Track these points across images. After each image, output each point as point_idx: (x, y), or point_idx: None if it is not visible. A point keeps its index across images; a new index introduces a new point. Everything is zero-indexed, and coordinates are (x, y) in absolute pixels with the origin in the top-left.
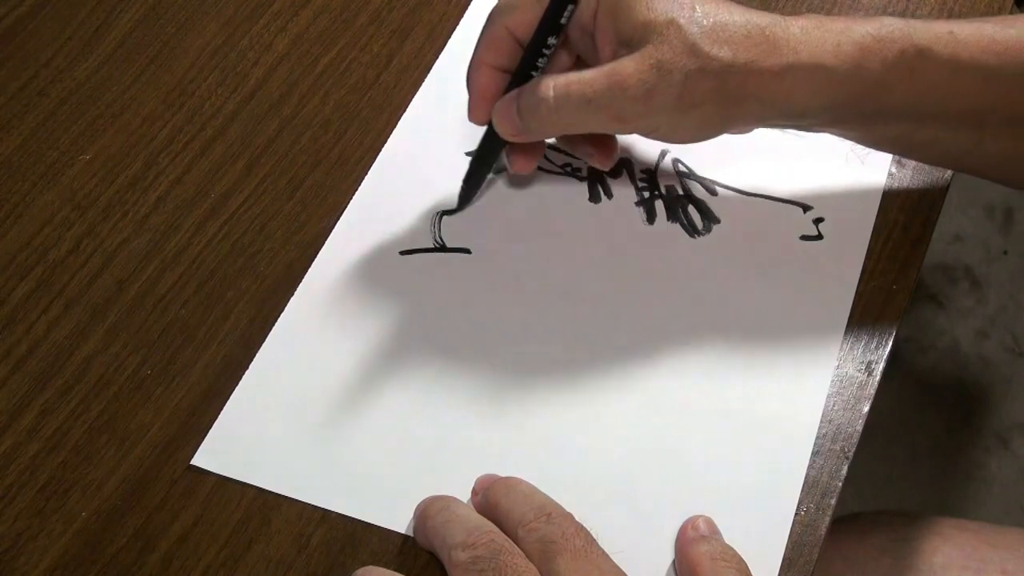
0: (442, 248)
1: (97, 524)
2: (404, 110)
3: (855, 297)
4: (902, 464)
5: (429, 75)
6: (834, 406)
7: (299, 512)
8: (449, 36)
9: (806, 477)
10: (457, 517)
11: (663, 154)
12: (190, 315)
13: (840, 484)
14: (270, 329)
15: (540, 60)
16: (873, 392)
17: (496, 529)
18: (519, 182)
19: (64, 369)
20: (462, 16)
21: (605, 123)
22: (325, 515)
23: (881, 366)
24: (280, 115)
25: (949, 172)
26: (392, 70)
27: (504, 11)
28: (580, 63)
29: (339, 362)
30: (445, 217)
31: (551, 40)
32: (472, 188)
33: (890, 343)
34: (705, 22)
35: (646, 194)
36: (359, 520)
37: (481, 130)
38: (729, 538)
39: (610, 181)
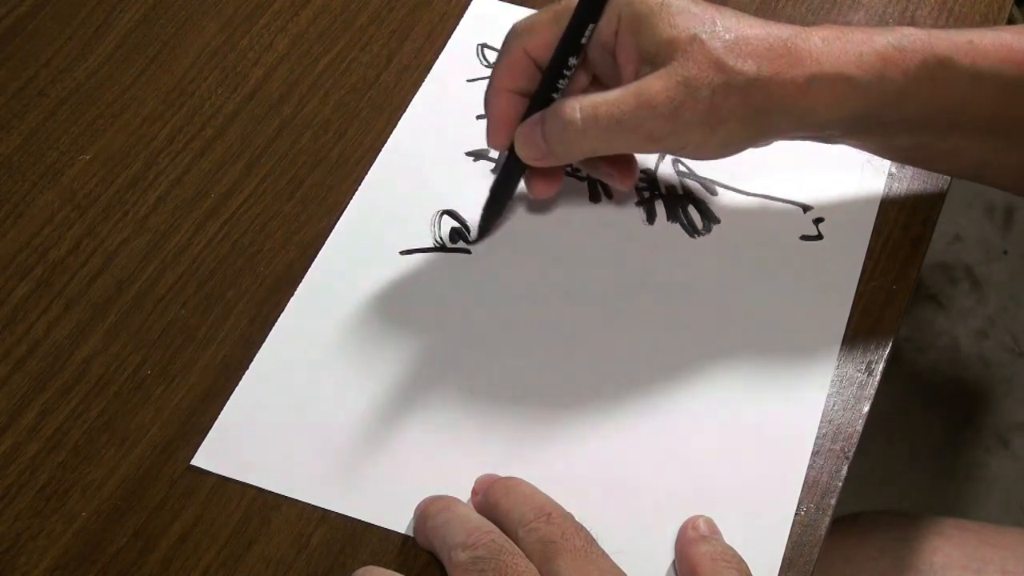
0: (442, 248)
1: (97, 524)
2: (404, 110)
3: (855, 297)
4: (902, 464)
5: (429, 75)
6: (834, 406)
7: (299, 512)
8: (449, 36)
9: (806, 477)
10: (457, 517)
11: (663, 155)
12: (190, 315)
13: (840, 484)
14: (270, 329)
15: (561, 82)
16: (873, 392)
17: (496, 529)
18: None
19: (64, 369)
20: (462, 16)
21: (634, 143)
22: (325, 515)
23: (881, 366)
24: (280, 115)
25: None
26: (392, 70)
27: (521, 34)
28: (596, 83)
29: (339, 362)
30: (445, 217)
31: (572, 61)
32: (493, 216)
33: (890, 343)
34: (727, 36)
35: (646, 194)
36: (359, 520)
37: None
38: (729, 538)
39: None
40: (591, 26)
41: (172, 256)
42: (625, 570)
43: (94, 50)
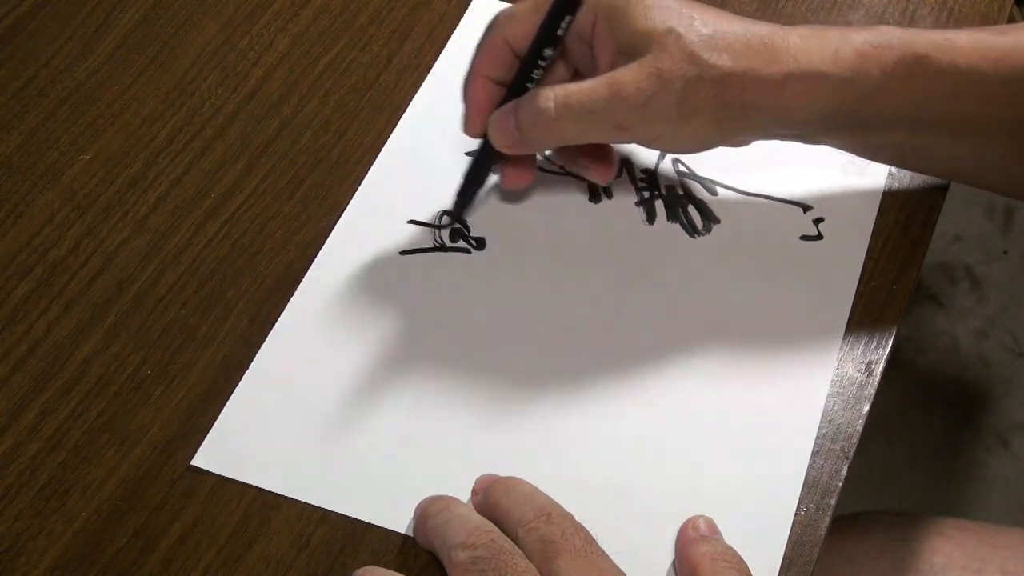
0: (442, 248)
1: (97, 524)
2: (404, 110)
3: (855, 297)
4: (902, 464)
5: (429, 75)
6: (834, 406)
7: (299, 512)
8: (449, 36)
9: (806, 477)
10: (457, 517)
11: (663, 154)
12: (190, 315)
13: (840, 484)
14: (270, 329)
15: (536, 72)
16: (873, 392)
17: (496, 529)
18: None
19: (64, 369)
20: (462, 16)
21: (605, 132)
22: (325, 515)
23: (881, 366)
24: (280, 115)
25: None
26: (392, 70)
27: (502, 23)
28: (577, 77)
29: (339, 362)
30: (445, 217)
31: (548, 51)
32: (465, 201)
33: (890, 343)
34: (704, 31)
35: (646, 194)
36: (359, 520)
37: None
38: (729, 538)
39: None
40: (568, 18)
41: (172, 256)
42: (625, 570)
43: (94, 50)
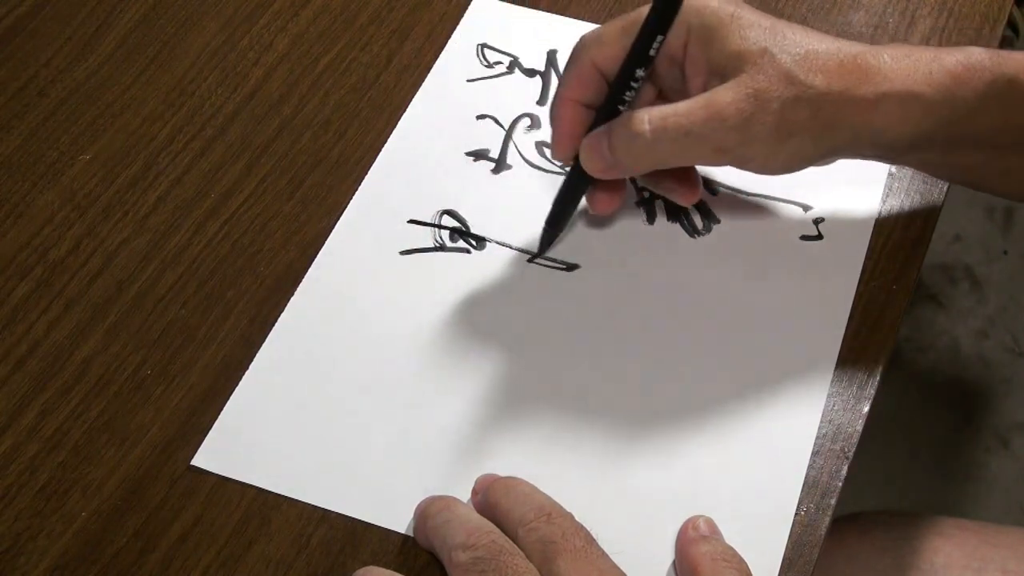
0: (442, 248)
1: (97, 524)
2: (404, 110)
3: (855, 297)
4: (902, 464)
5: (429, 75)
6: (834, 406)
7: (299, 512)
8: (449, 36)
9: (806, 477)
10: (457, 517)
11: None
12: (190, 315)
13: (840, 484)
14: (270, 329)
15: (628, 94)
16: (873, 392)
17: (496, 529)
18: (519, 182)
19: (64, 369)
20: (462, 16)
21: (703, 155)
22: (325, 515)
23: (881, 366)
24: (280, 115)
25: None
26: (392, 70)
27: (589, 45)
28: (662, 98)
29: (339, 362)
30: (445, 217)
31: (639, 72)
32: (556, 231)
33: (890, 343)
34: (797, 51)
35: (646, 194)
36: (359, 520)
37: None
38: (729, 538)
39: None
40: (660, 38)
41: (172, 256)
42: (625, 570)
43: (94, 50)
